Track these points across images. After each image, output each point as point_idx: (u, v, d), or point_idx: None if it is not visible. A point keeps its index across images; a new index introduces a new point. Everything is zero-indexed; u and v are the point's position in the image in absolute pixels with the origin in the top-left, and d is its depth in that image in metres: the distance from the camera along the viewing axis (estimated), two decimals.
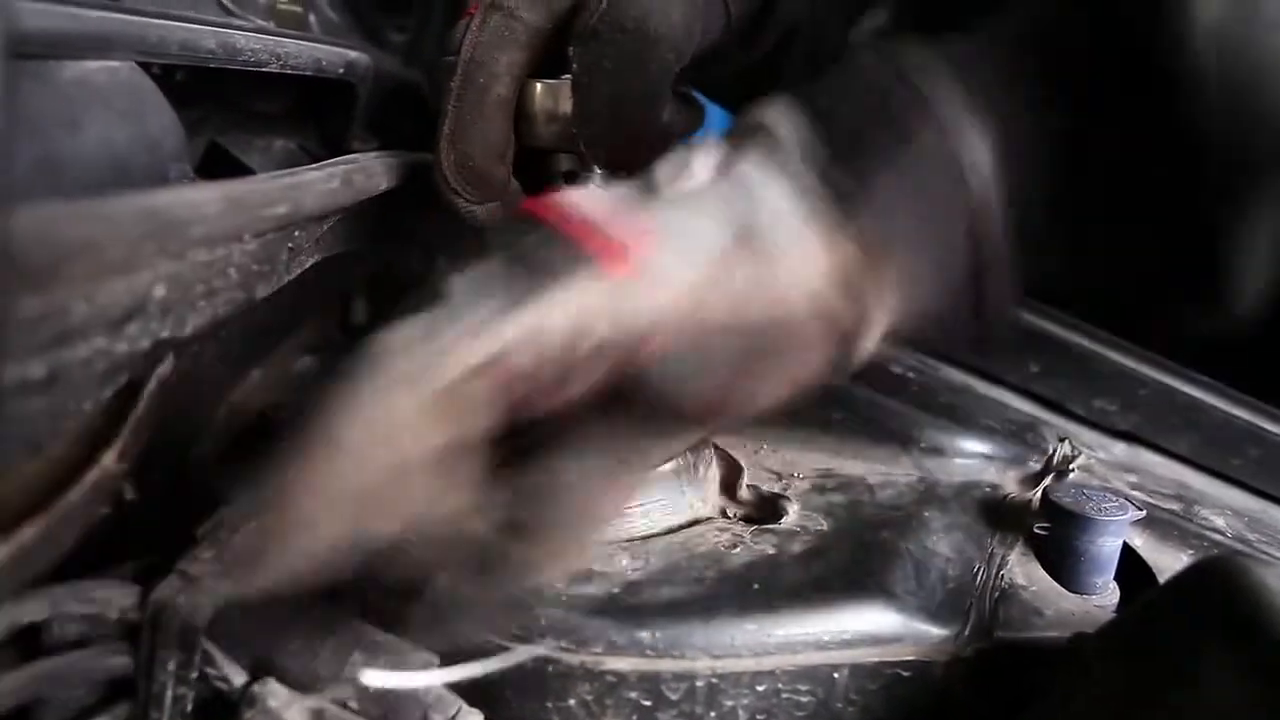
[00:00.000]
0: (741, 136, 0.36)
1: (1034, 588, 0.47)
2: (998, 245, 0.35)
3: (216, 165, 0.56)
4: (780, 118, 0.35)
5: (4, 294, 0.24)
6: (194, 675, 0.37)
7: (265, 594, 0.33)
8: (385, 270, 0.68)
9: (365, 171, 0.42)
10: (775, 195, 0.34)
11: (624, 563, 0.44)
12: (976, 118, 0.34)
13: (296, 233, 0.39)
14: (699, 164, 0.35)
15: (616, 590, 0.42)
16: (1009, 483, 0.56)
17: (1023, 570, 0.48)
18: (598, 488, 0.34)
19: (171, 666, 0.37)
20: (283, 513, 0.30)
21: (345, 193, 0.40)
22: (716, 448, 0.54)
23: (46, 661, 0.36)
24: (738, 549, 0.46)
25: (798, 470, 0.55)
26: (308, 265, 0.45)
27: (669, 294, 0.32)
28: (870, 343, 0.35)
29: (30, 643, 0.37)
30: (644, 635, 0.40)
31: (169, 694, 0.37)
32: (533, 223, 0.34)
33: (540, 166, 0.47)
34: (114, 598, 0.38)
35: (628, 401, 0.32)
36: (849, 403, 0.59)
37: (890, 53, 0.36)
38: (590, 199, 0.34)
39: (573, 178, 0.47)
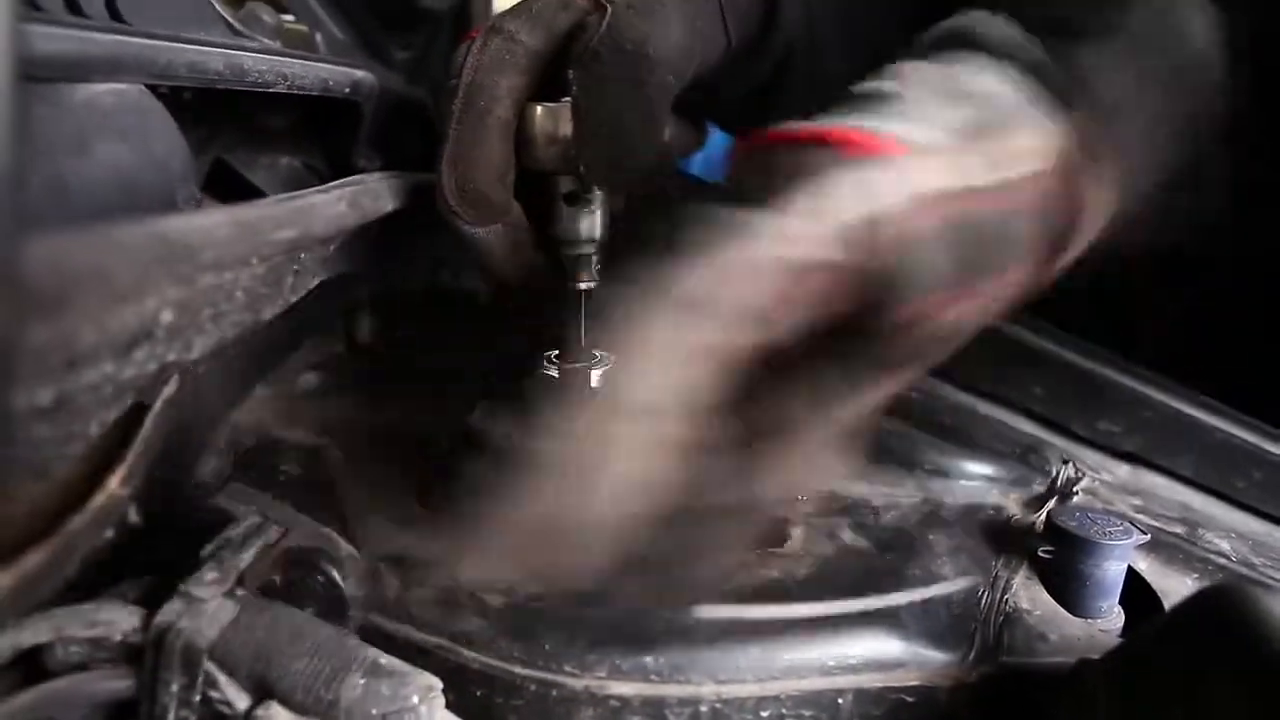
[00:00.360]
0: (945, 42, 0.36)
1: (1038, 612, 0.46)
2: (1215, 107, 0.35)
3: (223, 182, 0.57)
4: (985, 18, 0.36)
5: (14, 322, 0.24)
6: (197, 698, 0.37)
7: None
8: (391, 287, 0.68)
9: (371, 193, 0.42)
10: (995, 75, 0.34)
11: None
12: None
13: (303, 255, 0.39)
14: (906, 70, 0.35)
15: (621, 615, 0.42)
16: (1013, 505, 0.56)
17: (1027, 594, 0.48)
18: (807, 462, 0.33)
19: (174, 689, 0.37)
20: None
21: (352, 215, 0.40)
22: None
23: (50, 684, 0.36)
24: (742, 573, 0.45)
25: (803, 494, 0.55)
26: (313, 285, 0.45)
27: (934, 165, 0.32)
28: (1091, 225, 0.34)
29: (33, 666, 0.36)
30: (648, 660, 0.40)
31: (172, 717, 0.37)
32: (785, 148, 0.34)
33: (541, 188, 0.47)
34: (117, 620, 0.37)
35: (866, 325, 0.32)
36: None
37: None
38: (823, 121, 0.34)
39: (574, 199, 0.47)
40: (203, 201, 0.46)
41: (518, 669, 0.41)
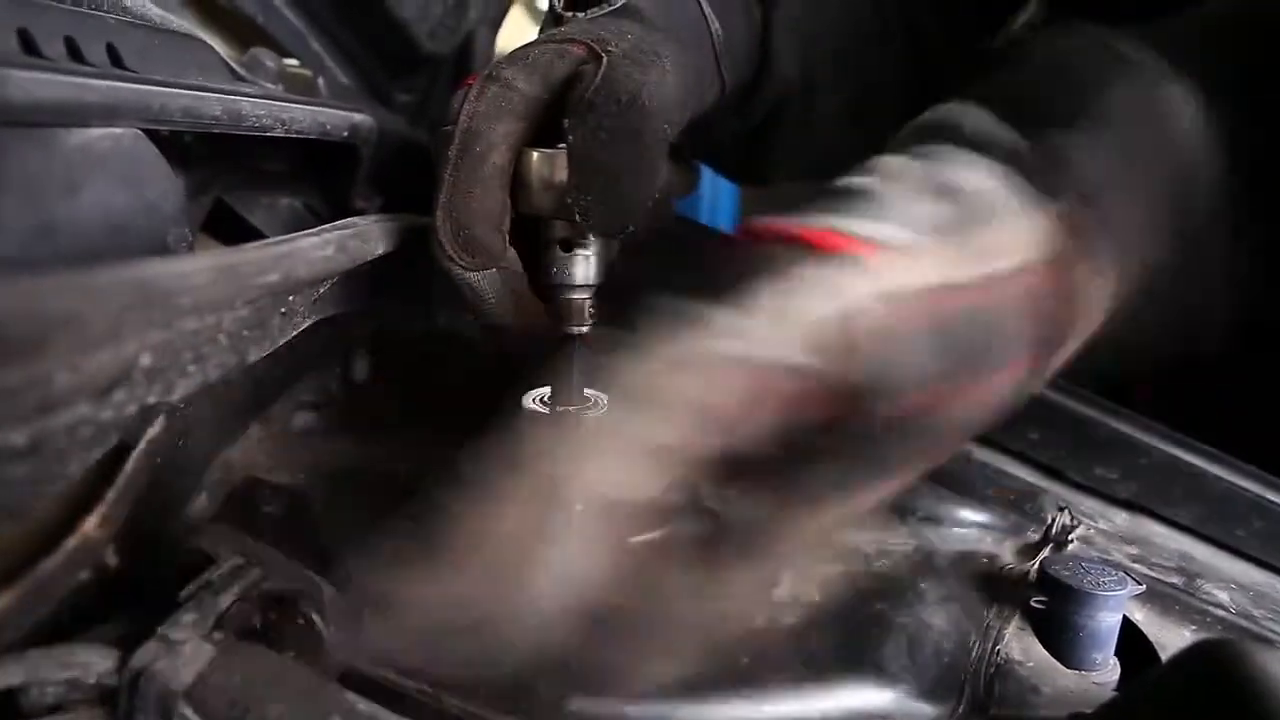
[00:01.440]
0: (926, 135, 0.36)
1: (1031, 663, 0.46)
2: (1207, 201, 0.34)
3: (223, 223, 0.57)
4: (962, 109, 0.35)
5: None
6: None
7: None
8: (387, 327, 0.68)
9: (361, 236, 0.43)
10: (975, 168, 0.33)
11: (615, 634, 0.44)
12: (1180, 78, 0.33)
13: (290, 298, 0.40)
14: (884, 165, 0.35)
15: (606, 665, 0.41)
16: (1007, 553, 0.55)
17: (1019, 645, 0.47)
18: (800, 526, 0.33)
19: None
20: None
21: (340, 259, 0.40)
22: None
23: None
24: (729, 621, 0.45)
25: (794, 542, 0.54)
26: (303, 327, 0.45)
27: (916, 265, 0.31)
28: (1088, 315, 0.33)
29: (8, 707, 0.36)
30: (630, 710, 0.39)
31: None
32: (758, 246, 0.33)
33: (536, 233, 0.47)
34: (93, 662, 0.37)
35: (849, 427, 0.31)
36: None
37: (1073, 29, 0.36)
38: (808, 217, 0.34)
39: (568, 245, 0.48)
40: (195, 243, 0.47)
41: (500, 716, 0.40)
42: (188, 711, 0.38)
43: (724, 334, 0.29)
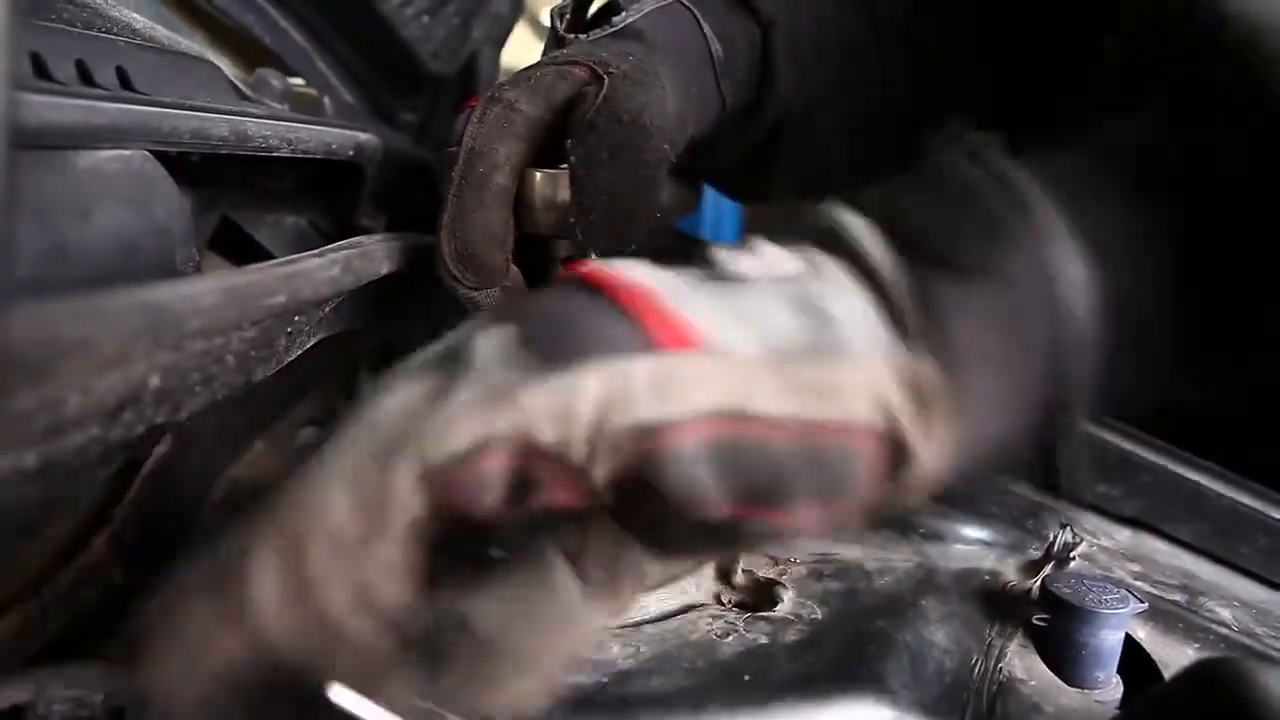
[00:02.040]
0: (812, 235, 0.33)
1: (1033, 681, 0.46)
2: (1081, 378, 0.32)
3: (229, 241, 0.58)
4: (856, 220, 0.32)
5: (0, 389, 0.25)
6: None
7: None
8: (391, 343, 0.69)
9: (366, 256, 0.43)
10: (851, 295, 0.30)
11: (614, 650, 0.44)
12: (1075, 236, 0.32)
13: (296, 317, 0.40)
14: (767, 254, 0.32)
15: (605, 680, 0.42)
16: (1009, 570, 0.55)
17: (1022, 663, 0.47)
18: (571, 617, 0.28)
19: None
20: (235, 582, 0.26)
21: (345, 279, 0.41)
22: None
23: None
24: (730, 638, 0.45)
25: (794, 554, 0.54)
26: (309, 345, 0.45)
27: (724, 377, 0.27)
28: (930, 468, 0.30)
29: None
30: None
31: None
32: (574, 287, 0.30)
33: (539, 253, 0.48)
34: (99, 680, 0.37)
35: (640, 506, 0.27)
36: None
37: (984, 159, 0.34)
38: (643, 271, 0.30)
39: (571, 264, 0.48)
40: (203, 262, 0.47)
41: None
42: None
43: (501, 401, 0.26)
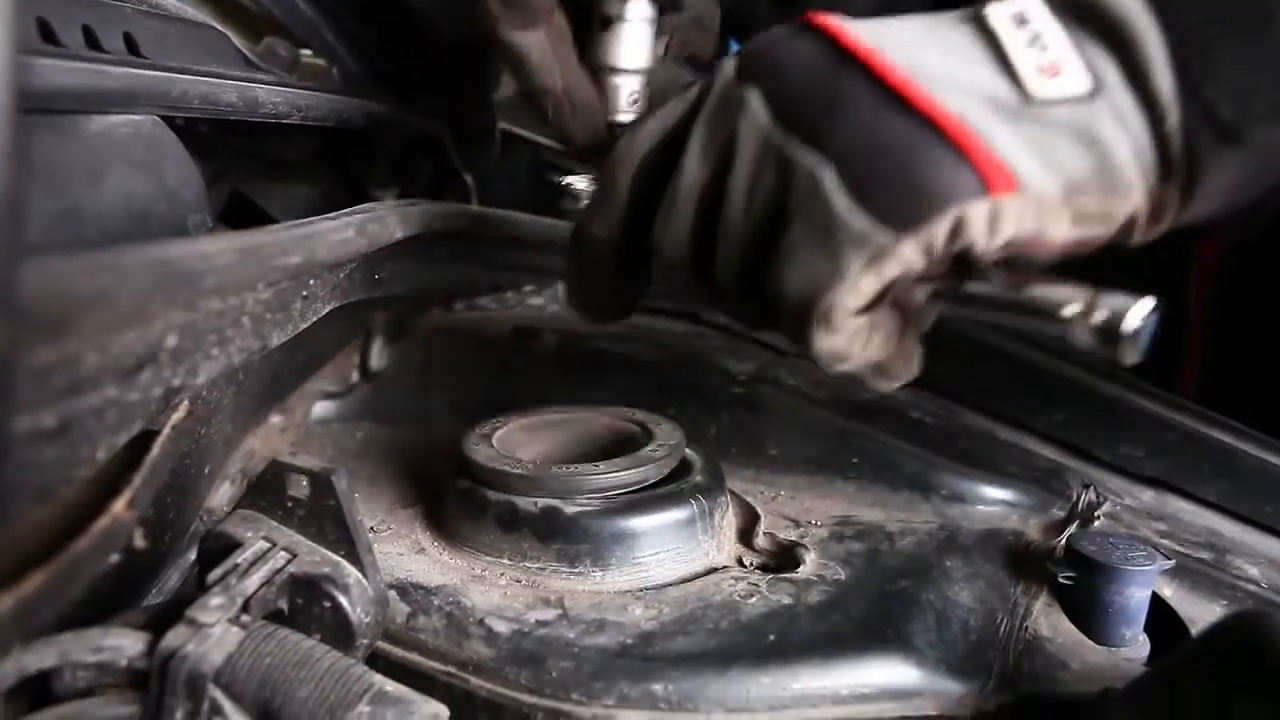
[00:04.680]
0: (1097, 25, 0.35)
1: (1059, 639, 0.45)
2: None
3: (239, 212, 0.58)
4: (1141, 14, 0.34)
5: (16, 345, 0.24)
6: None
7: None
8: (405, 316, 0.68)
9: (379, 220, 0.43)
10: (1132, 128, 0.34)
11: (638, 612, 0.44)
12: None
13: (311, 281, 0.40)
14: (1053, 48, 0.35)
15: (630, 641, 0.41)
16: (1032, 530, 0.55)
17: (1047, 621, 0.46)
18: None
19: (179, 715, 0.37)
20: None
21: (359, 242, 0.40)
22: (733, 494, 0.54)
23: (56, 709, 0.36)
24: (753, 599, 0.45)
25: (815, 517, 0.54)
26: (324, 312, 0.45)
27: (1034, 214, 0.34)
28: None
29: (39, 691, 0.36)
30: (657, 688, 0.39)
31: None
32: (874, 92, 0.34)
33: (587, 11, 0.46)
34: (123, 645, 0.37)
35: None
36: (867, 448, 0.59)
37: None
38: (947, 80, 0.34)
39: (608, 23, 0.46)
40: (216, 230, 0.47)
41: (525, 697, 0.40)
42: (217, 694, 0.38)
43: (869, 249, 0.34)
